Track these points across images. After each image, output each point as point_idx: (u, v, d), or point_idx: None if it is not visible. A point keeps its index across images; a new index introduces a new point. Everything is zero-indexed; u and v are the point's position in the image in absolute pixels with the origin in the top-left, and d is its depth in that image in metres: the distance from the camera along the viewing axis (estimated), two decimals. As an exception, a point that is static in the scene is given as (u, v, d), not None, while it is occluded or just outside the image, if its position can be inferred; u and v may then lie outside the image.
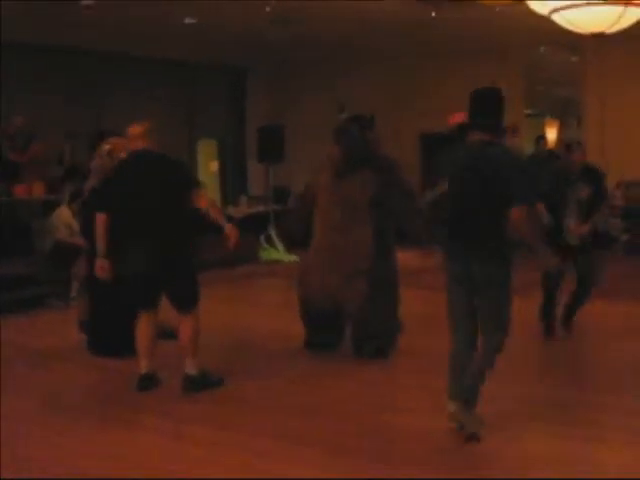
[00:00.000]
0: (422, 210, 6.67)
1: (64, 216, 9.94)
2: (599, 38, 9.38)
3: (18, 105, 12.34)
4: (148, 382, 6.09)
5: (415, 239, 7.70)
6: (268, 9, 12.05)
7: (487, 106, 5.02)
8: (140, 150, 6.11)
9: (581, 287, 7.65)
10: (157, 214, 5.94)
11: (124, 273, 6.02)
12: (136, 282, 6.04)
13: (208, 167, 17.67)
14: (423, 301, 9.35)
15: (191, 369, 6.00)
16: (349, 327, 7.11)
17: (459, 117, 15.07)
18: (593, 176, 7.54)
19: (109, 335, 7.06)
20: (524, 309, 7.66)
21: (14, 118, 11.31)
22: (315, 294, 6.96)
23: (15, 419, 5.52)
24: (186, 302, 6.04)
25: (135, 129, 6.18)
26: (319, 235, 7.07)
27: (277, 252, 13.75)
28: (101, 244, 6.13)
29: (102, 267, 6.15)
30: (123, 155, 6.88)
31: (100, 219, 6.13)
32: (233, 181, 17.67)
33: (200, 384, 5.99)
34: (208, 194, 6.71)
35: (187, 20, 12.99)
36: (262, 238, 13.80)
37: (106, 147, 7.13)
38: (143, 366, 6.12)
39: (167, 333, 6.66)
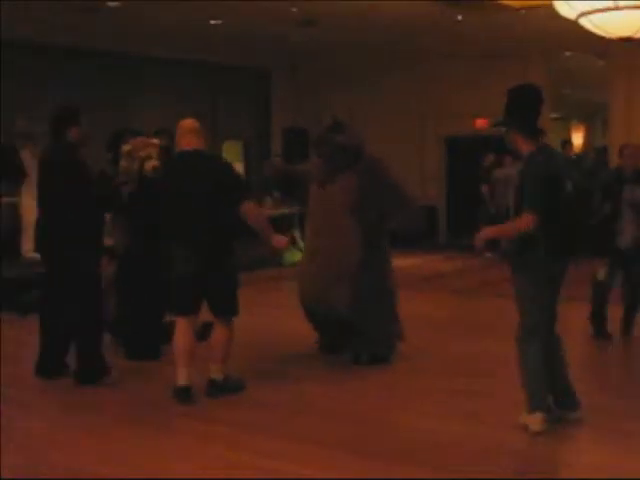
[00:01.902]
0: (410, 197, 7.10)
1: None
2: (626, 42, 9.30)
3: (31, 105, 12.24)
4: (186, 395, 5.83)
5: (407, 227, 7.31)
6: (294, 9, 12.08)
7: (528, 105, 4.96)
8: (192, 150, 5.94)
9: (634, 297, 7.58)
10: (207, 217, 5.80)
11: (172, 276, 5.95)
12: (183, 285, 5.93)
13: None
14: (451, 304, 9.25)
15: (216, 374, 5.96)
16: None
17: (482, 122, 15.12)
18: None
19: (138, 339, 7.03)
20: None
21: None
22: (307, 299, 6.99)
23: (34, 419, 5.59)
24: (228, 309, 5.97)
25: (192, 124, 5.99)
26: (307, 241, 7.33)
27: (301, 254, 13.61)
28: None
29: None
30: (143, 154, 6.80)
31: None
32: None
33: (224, 389, 5.97)
34: (257, 206, 6.48)
35: (212, 21, 13.04)
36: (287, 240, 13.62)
37: (126, 148, 6.85)
38: (182, 377, 5.83)
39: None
